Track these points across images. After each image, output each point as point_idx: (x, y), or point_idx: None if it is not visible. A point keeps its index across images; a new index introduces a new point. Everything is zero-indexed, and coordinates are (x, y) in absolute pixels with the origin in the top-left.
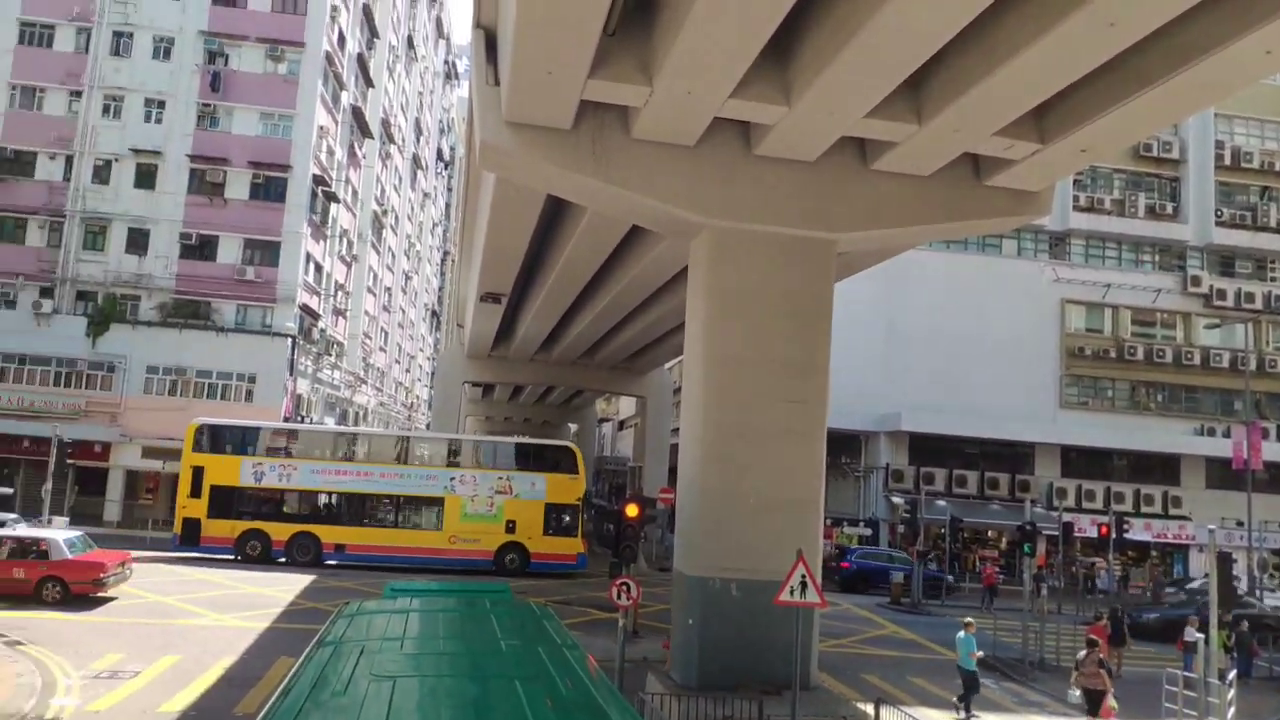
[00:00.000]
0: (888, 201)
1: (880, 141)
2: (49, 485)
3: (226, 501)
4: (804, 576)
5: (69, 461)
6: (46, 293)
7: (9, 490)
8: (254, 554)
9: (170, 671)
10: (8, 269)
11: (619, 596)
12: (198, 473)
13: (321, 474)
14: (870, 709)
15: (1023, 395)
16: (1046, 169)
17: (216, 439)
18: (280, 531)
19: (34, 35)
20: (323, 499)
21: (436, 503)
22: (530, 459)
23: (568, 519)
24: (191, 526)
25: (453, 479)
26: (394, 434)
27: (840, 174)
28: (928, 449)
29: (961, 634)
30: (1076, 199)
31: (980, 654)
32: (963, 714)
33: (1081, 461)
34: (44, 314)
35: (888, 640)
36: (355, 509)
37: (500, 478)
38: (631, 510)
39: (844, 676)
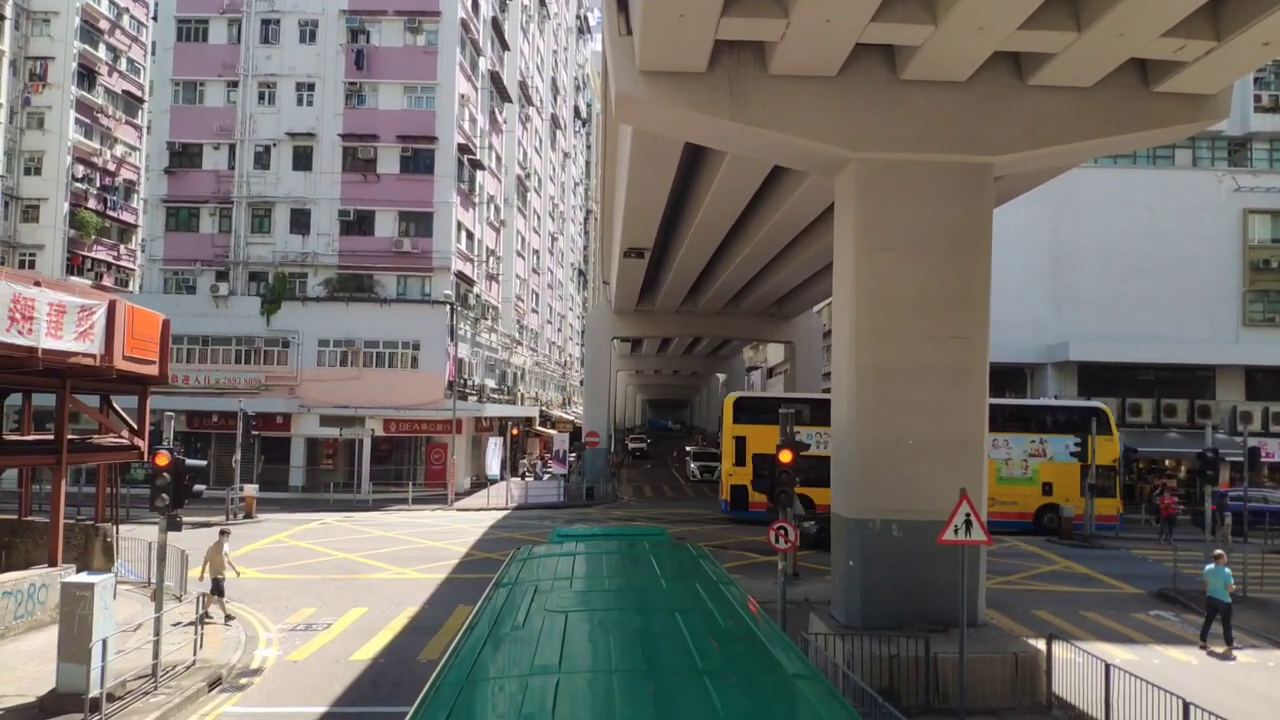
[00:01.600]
0: (1047, 118)
1: (1036, 54)
2: (238, 456)
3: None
4: (968, 515)
5: (254, 433)
6: (222, 276)
7: (203, 462)
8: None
9: (359, 622)
10: (187, 256)
11: (777, 540)
12: (740, 442)
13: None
14: (1042, 645)
15: (1201, 316)
16: (1223, 68)
17: (754, 410)
18: (821, 496)
19: (190, 31)
20: None
21: None
22: (1061, 421)
23: (1104, 480)
24: (739, 493)
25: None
26: None
27: (994, 93)
28: (1098, 379)
29: (1211, 565)
30: (1258, 99)
31: (1233, 586)
32: (1222, 647)
33: (1269, 383)
34: (221, 296)
35: (1059, 575)
36: None
37: (1034, 441)
38: (785, 456)
39: (1013, 613)
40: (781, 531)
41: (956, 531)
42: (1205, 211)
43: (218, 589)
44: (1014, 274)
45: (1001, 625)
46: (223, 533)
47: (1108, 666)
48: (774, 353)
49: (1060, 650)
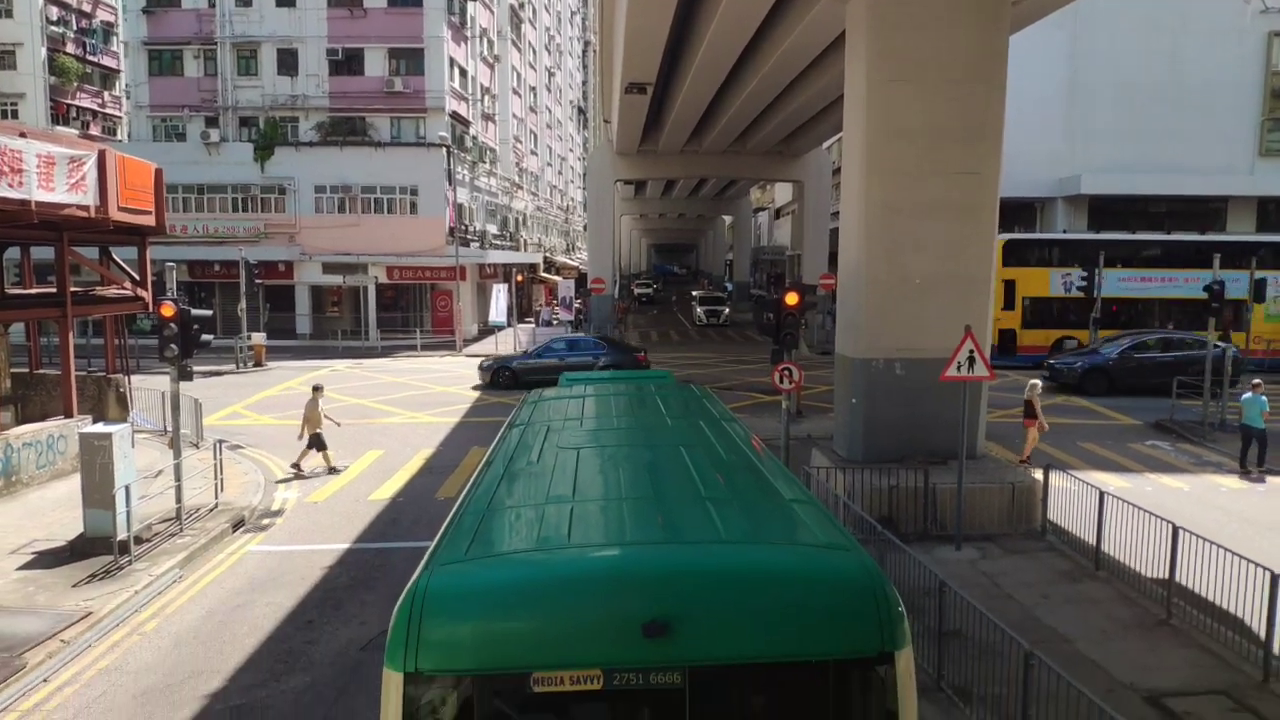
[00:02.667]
0: None
1: None
2: (243, 305)
3: (1038, 312)
4: (972, 352)
5: (257, 282)
6: (211, 122)
7: (209, 312)
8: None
9: (375, 465)
10: (173, 102)
11: (781, 381)
12: (1009, 286)
13: (1128, 281)
14: (1039, 474)
15: (1217, 147)
16: None
17: (1025, 253)
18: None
19: None
20: (1130, 305)
21: (1240, 305)
22: None
23: None
24: (1007, 337)
25: (1261, 282)
26: (1195, 238)
27: None
28: (1108, 212)
29: (1249, 394)
30: None
31: (1268, 412)
32: (1252, 470)
33: None
34: (212, 143)
35: (1059, 408)
36: (1162, 315)
37: None
38: (791, 298)
39: (1012, 445)
40: (786, 372)
41: (959, 368)
42: (1229, 35)
43: (318, 443)
44: (1028, 105)
45: (1000, 457)
46: (316, 389)
47: (1101, 494)
48: (782, 193)
49: (1056, 479)
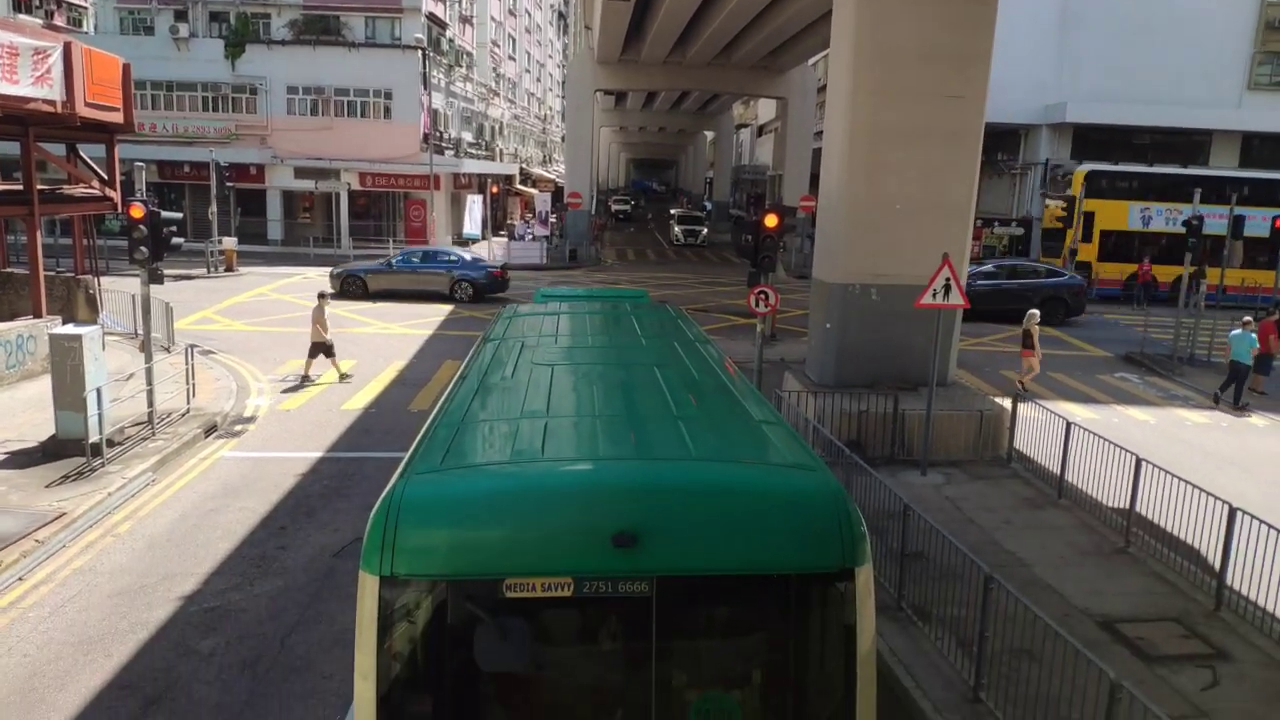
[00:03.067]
0: None
1: None
2: (214, 208)
3: (1116, 246)
4: (948, 279)
5: (228, 185)
6: (180, 16)
7: (178, 214)
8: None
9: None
10: None
11: (757, 304)
12: (1088, 218)
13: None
14: (1007, 403)
15: (1204, 80)
16: None
17: (1106, 184)
18: (1167, 274)
19: None
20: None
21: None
22: None
23: None
24: (1083, 270)
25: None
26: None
27: None
28: (1093, 141)
29: (1237, 330)
30: None
31: (1257, 349)
32: (1227, 404)
33: (1265, 150)
34: (181, 38)
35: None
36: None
37: None
38: (770, 220)
39: (982, 373)
40: (762, 296)
41: (935, 295)
42: None
43: (326, 351)
44: (1018, 31)
45: (969, 385)
46: (321, 296)
47: (1068, 424)
48: (765, 109)
49: (1024, 409)
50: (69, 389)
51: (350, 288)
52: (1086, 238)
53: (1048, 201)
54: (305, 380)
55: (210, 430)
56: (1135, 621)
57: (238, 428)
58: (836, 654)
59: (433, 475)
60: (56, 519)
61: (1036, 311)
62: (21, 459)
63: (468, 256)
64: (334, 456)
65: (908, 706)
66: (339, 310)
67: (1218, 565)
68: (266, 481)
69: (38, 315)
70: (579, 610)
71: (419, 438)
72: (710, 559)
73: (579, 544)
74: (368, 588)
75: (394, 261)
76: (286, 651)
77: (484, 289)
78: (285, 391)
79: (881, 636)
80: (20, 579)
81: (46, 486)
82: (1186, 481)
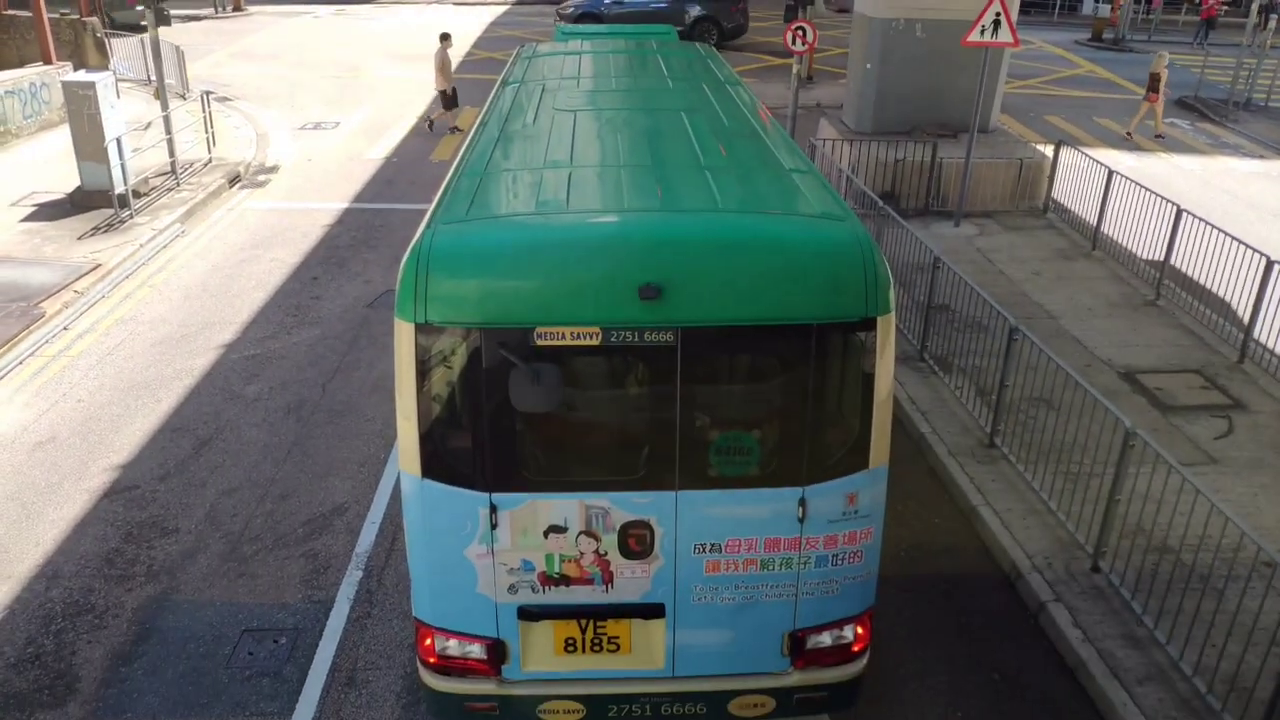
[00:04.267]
0: None
1: None
2: None
3: None
4: (998, 14)
5: None
6: None
7: None
8: None
9: (367, 122)
10: None
11: (794, 42)
12: None
13: None
14: (1049, 150)
15: None
16: None
17: None
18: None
19: None
20: None
21: None
22: None
23: None
24: None
25: None
26: None
27: None
28: None
29: None
30: None
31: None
32: None
33: None
34: None
35: (1080, 80)
36: None
37: None
38: None
39: (1026, 118)
40: (799, 32)
41: (983, 32)
42: None
43: (445, 100)
44: None
45: (1012, 131)
46: (444, 37)
47: (1109, 172)
48: None
49: (1066, 155)
50: (89, 139)
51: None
52: None
53: None
54: (454, 130)
55: (234, 180)
56: (1157, 373)
57: (261, 178)
58: (854, 400)
59: (459, 225)
60: (92, 270)
61: (1167, 54)
62: (51, 211)
63: None
64: (359, 207)
65: (923, 451)
66: (356, 54)
67: (1247, 318)
68: (295, 232)
69: (47, 61)
70: (607, 358)
71: (442, 188)
72: (734, 309)
73: (605, 296)
74: (404, 334)
75: None
76: (328, 396)
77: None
78: (304, 131)
79: (902, 386)
80: (65, 328)
81: (79, 239)
82: (1225, 233)
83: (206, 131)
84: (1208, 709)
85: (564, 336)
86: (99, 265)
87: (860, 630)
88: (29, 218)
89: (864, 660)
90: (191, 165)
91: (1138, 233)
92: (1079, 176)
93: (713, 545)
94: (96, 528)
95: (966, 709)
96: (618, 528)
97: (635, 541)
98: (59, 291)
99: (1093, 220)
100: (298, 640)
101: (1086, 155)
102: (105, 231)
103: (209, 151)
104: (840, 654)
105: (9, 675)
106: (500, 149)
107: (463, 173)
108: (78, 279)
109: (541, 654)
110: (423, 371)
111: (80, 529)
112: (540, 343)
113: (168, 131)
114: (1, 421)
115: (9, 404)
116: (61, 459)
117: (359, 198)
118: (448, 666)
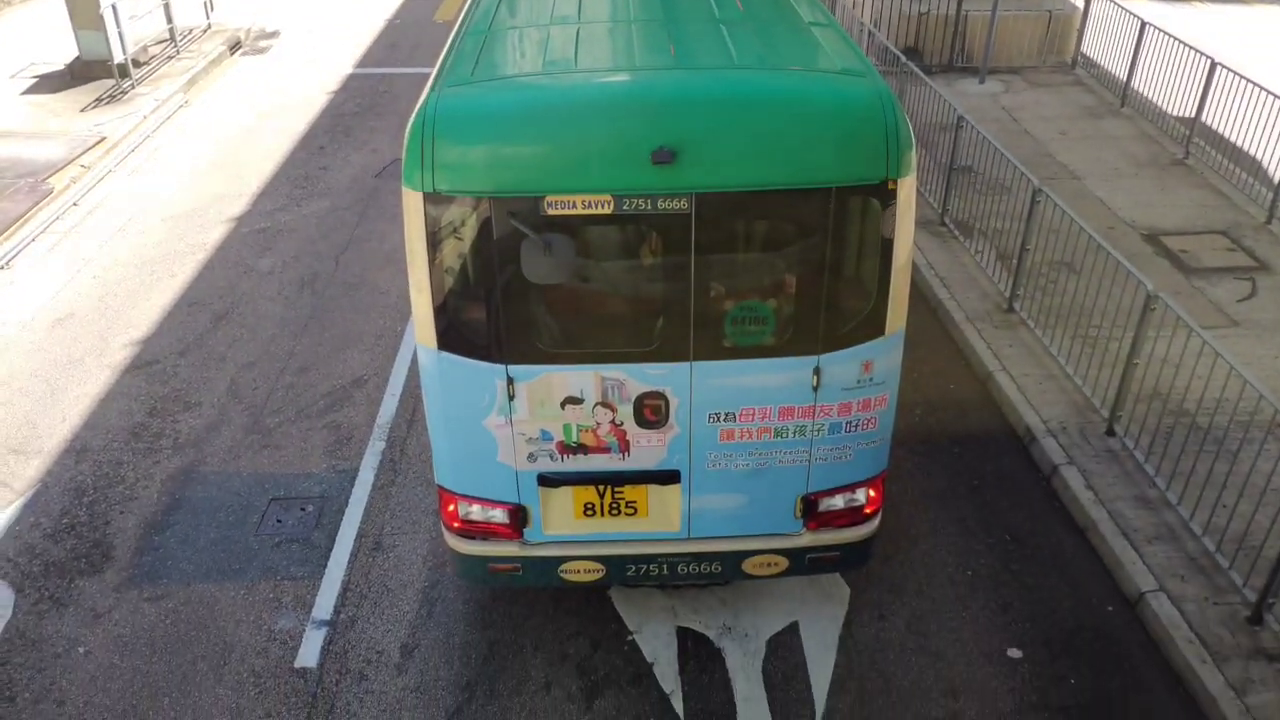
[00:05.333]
0: None
1: None
2: None
3: None
4: None
5: None
6: None
7: None
8: None
9: None
10: None
11: None
12: None
13: None
14: (1080, 1)
15: None
16: None
17: None
18: None
19: None
20: None
21: None
22: None
23: None
24: None
25: None
26: None
27: None
28: None
29: None
30: None
31: None
32: None
33: None
34: None
35: None
36: None
37: None
38: None
39: None
40: None
41: None
42: None
43: None
44: None
45: None
46: None
47: (1142, 23)
48: None
49: (1097, 7)
50: (84, 5)
51: None
52: None
53: None
54: None
55: (235, 47)
56: (1182, 234)
57: (262, 44)
58: (872, 266)
59: (463, 89)
60: (98, 143)
61: None
62: (51, 82)
63: None
64: (363, 72)
65: (941, 317)
66: None
67: (1278, 178)
68: (299, 99)
69: None
70: (620, 227)
71: (445, 50)
72: (751, 173)
73: (616, 161)
74: (413, 204)
75: None
76: (341, 269)
77: None
78: (313, 3)
79: (921, 251)
80: (75, 204)
81: (81, 110)
82: (1261, 87)
83: None
84: (1215, 566)
85: (575, 205)
86: (104, 138)
87: (872, 493)
88: (29, 90)
89: (875, 522)
90: (190, 32)
91: (1169, 89)
92: (1110, 29)
93: (727, 414)
94: (120, 402)
95: (976, 568)
96: (633, 398)
97: (651, 411)
98: (65, 166)
99: (1123, 76)
100: (324, 508)
101: (1119, 6)
102: (107, 103)
103: (207, 17)
104: (852, 516)
105: (47, 545)
106: (505, 7)
107: (466, 33)
108: (83, 153)
109: (561, 518)
110: (433, 243)
111: (105, 404)
112: (551, 212)
113: None
114: (19, 300)
115: (25, 282)
116: (81, 335)
117: (362, 62)
118: (471, 530)
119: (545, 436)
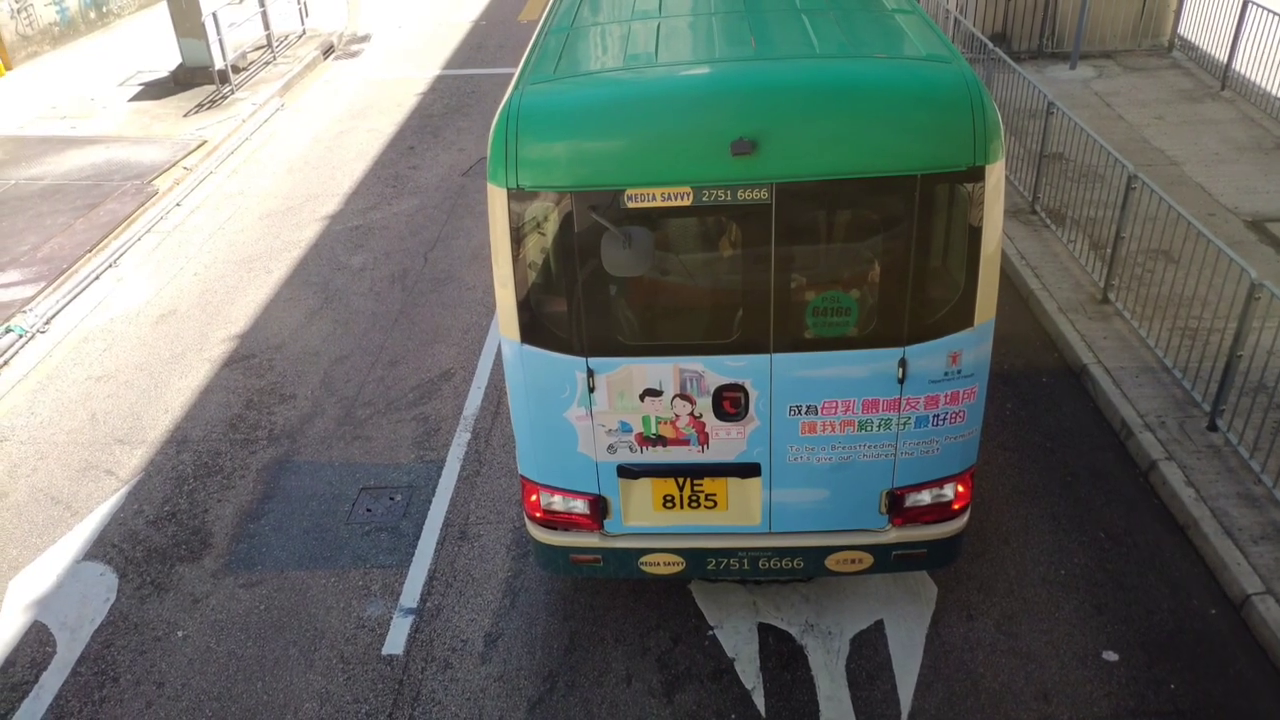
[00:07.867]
0: None
1: None
2: None
3: None
4: None
5: None
6: None
7: None
8: None
9: None
10: None
11: None
12: None
13: None
14: None
15: None
16: None
17: None
18: None
19: None
20: None
21: None
22: None
23: None
24: None
25: None
26: None
27: None
28: None
29: None
30: None
31: None
32: None
33: None
34: None
35: None
36: None
37: None
38: None
39: None
40: None
41: None
42: None
43: None
44: None
45: None
46: None
47: (1245, 1)
48: None
49: None
50: (186, 15)
51: None
52: None
53: None
54: None
55: (328, 51)
56: None
57: (354, 48)
58: (960, 255)
59: (546, 86)
60: (199, 147)
61: None
62: (156, 90)
63: None
64: (450, 74)
65: (1032, 308)
66: None
67: None
68: (389, 101)
69: None
70: (699, 219)
71: (529, 49)
72: (832, 162)
73: (696, 153)
74: (497, 201)
75: None
76: (430, 265)
77: None
78: (402, 7)
79: (1011, 240)
80: (178, 205)
81: (184, 116)
82: None
83: (299, 2)
84: None
85: (654, 198)
86: (205, 142)
87: (961, 489)
88: (136, 97)
89: (964, 518)
90: (285, 37)
91: (1274, 69)
92: (1209, 8)
93: (808, 407)
94: (219, 395)
95: (1070, 567)
96: (712, 390)
97: (730, 404)
98: (169, 169)
99: (1223, 57)
100: (412, 497)
101: None
102: (209, 108)
103: (302, 23)
104: (940, 512)
105: (150, 532)
106: (587, 4)
107: (549, 31)
108: (186, 155)
109: (641, 509)
110: (517, 238)
111: (204, 397)
112: (631, 205)
113: (262, 4)
114: (126, 296)
115: (132, 279)
116: (183, 330)
117: (449, 64)
118: (553, 521)
119: (625, 428)
